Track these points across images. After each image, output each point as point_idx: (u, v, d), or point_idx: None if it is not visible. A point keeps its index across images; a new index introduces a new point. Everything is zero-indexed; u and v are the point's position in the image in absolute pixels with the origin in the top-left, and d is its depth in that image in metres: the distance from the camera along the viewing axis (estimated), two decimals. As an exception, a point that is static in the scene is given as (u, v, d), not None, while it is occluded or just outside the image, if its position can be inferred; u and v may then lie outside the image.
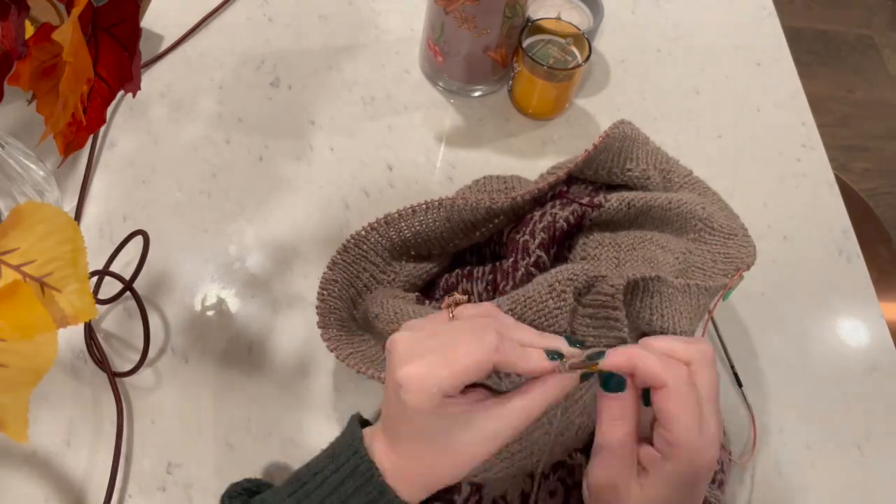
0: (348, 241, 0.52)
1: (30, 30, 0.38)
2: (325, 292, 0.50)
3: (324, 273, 0.51)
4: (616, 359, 0.37)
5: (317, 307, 0.50)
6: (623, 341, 0.45)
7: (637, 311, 0.48)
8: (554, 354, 0.38)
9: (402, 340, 0.38)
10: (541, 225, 0.52)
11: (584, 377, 0.39)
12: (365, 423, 0.44)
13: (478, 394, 0.40)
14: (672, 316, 0.48)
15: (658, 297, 0.48)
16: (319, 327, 0.49)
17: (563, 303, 0.45)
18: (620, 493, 0.37)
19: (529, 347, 0.39)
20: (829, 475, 0.54)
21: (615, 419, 0.38)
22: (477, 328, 0.38)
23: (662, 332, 0.48)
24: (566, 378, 0.39)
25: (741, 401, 0.56)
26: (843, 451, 0.55)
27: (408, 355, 0.37)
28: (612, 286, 0.46)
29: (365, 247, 0.52)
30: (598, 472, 0.38)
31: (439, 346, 0.37)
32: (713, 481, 0.50)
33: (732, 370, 0.57)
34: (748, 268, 0.50)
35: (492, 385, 0.42)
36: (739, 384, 0.57)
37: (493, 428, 0.38)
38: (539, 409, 0.38)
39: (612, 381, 0.38)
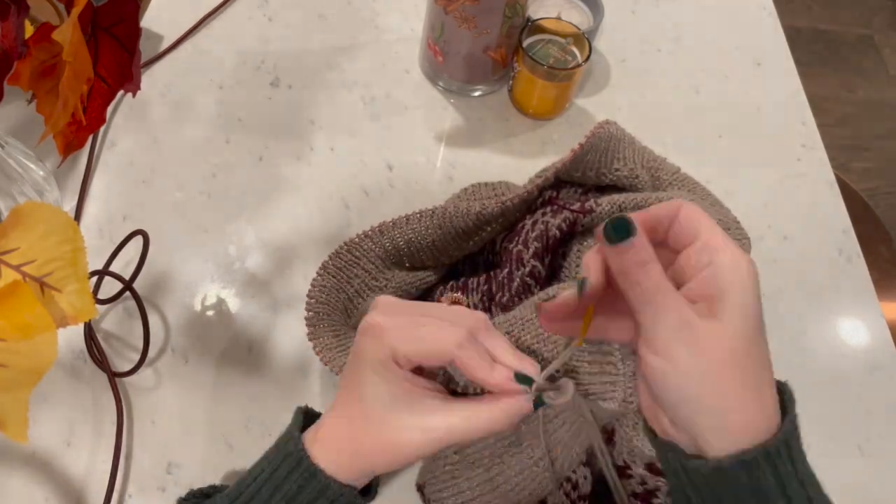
0: (340, 248, 0.51)
1: (30, 30, 0.38)
2: (313, 300, 0.49)
3: (313, 280, 0.50)
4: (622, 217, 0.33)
5: (305, 317, 0.49)
6: (614, 365, 0.45)
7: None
8: (522, 378, 0.37)
9: (386, 299, 0.40)
10: (533, 234, 0.52)
11: (537, 405, 0.37)
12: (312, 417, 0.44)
13: (434, 386, 0.40)
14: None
15: None
16: (310, 339, 0.48)
17: None
18: (697, 332, 0.32)
19: (499, 362, 0.38)
20: (829, 475, 0.54)
21: (640, 266, 0.32)
22: (455, 317, 0.38)
23: None
24: (522, 406, 0.37)
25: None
26: (843, 451, 0.55)
27: (384, 309, 0.39)
28: None
29: (357, 253, 0.51)
30: (658, 335, 0.33)
31: (414, 316, 0.38)
32: None
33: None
34: None
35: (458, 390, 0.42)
36: None
37: (428, 421, 0.38)
38: (483, 426, 0.37)
39: (616, 229, 0.32)
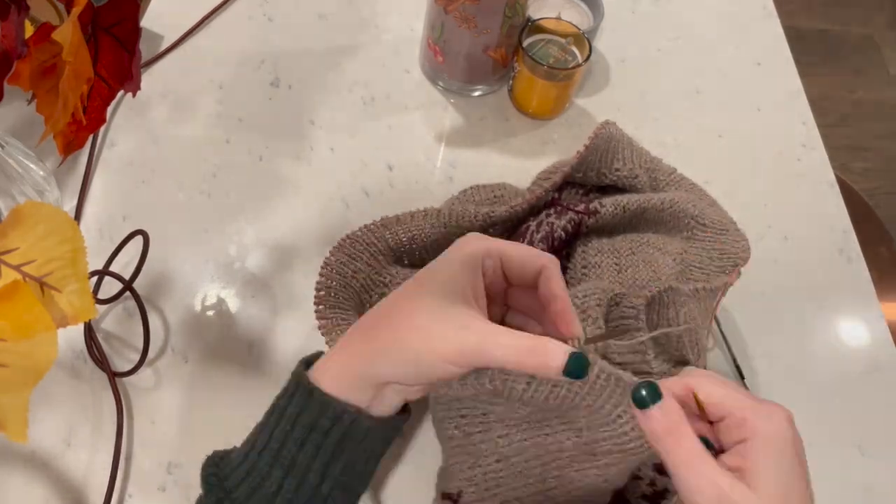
0: (343, 241, 0.51)
1: (30, 30, 0.38)
2: (322, 305, 0.48)
3: (318, 281, 0.49)
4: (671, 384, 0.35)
5: (319, 325, 0.48)
6: (648, 365, 0.46)
7: (654, 325, 0.49)
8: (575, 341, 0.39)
9: None
10: (539, 235, 0.52)
11: (569, 369, 0.35)
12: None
13: (487, 315, 0.41)
14: (687, 324, 0.48)
15: (673, 307, 0.48)
16: (324, 334, 0.47)
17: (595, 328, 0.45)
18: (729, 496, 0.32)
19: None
20: (829, 475, 0.54)
21: (668, 434, 0.33)
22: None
23: (678, 341, 0.48)
24: (560, 353, 0.35)
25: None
26: (843, 451, 0.55)
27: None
28: (632, 308, 0.46)
29: (359, 247, 0.51)
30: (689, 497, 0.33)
31: None
32: None
33: (734, 363, 0.57)
34: (745, 262, 0.50)
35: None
36: (741, 376, 0.57)
37: (469, 322, 0.37)
38: (515, 354, 0.35)
39: (641, 392, 0.33)
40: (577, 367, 0.35)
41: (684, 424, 0.33)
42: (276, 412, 0.40)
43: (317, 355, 0.43)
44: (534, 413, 0.45)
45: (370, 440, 0.40)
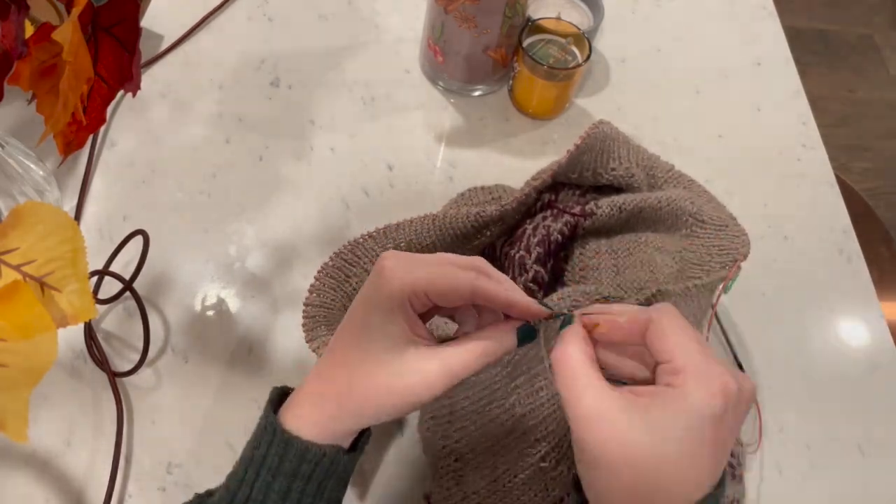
0: (344, 247, 0.51)
1: (30, 30, 0.38)
2: (309, 306, 0.49)
3: (311, 285, 0.50)
4: (588, 318, 0.37)
5: (302, 323, 0.48)
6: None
7: None
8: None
9: (392, 251, 0.40)
10: (535, 239, 0.52)
11: (521, 341, 0.39)
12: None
13: (431, 337, 0.40)
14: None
15: None
16: (308, 341, 0.48)
17: None
18: (606, 425, 0.32)
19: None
20: (829, 475, 0.54)
21: (566, 352, 0.35)
22: (459, 259, 0.39)
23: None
24: (506, 338, 0.38)
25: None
26: (843, 451, 0.55)
27: (394, 255, 0.39)
28: None
29: (359, 252, 0.52)
30: (567, 397, 0.34)
31: (424, 260, 0.39)
32: (733, 477, 0.50)
33: (735, 360, 0.57)
34: (745, 257, 0.50)
35: None
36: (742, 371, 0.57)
37: (427, 363, 0.38)
38: (475, 360, 0.38)
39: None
40: (526, 335, 0.38)
41: (581, 338, 0.36)
42: (254, 464, 0.40)
43: (282, 393, 0.43)
44: (478, 392, 0.47)
45: (346, 472, 0.41)
